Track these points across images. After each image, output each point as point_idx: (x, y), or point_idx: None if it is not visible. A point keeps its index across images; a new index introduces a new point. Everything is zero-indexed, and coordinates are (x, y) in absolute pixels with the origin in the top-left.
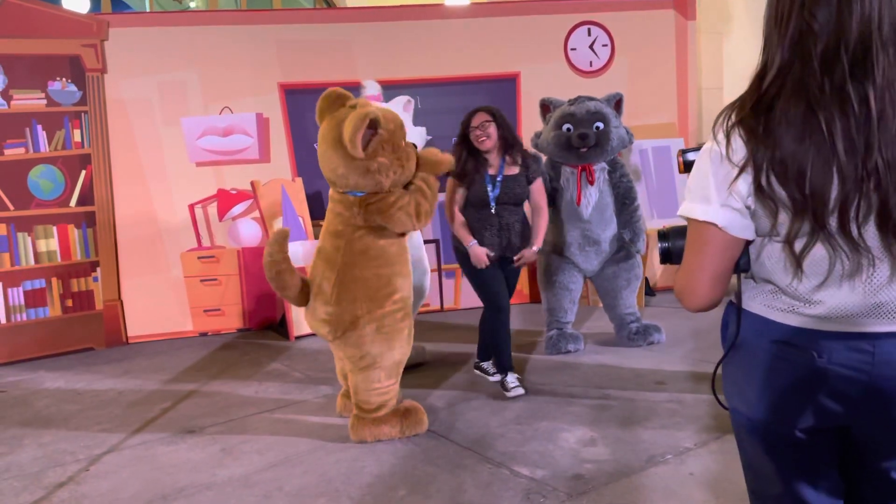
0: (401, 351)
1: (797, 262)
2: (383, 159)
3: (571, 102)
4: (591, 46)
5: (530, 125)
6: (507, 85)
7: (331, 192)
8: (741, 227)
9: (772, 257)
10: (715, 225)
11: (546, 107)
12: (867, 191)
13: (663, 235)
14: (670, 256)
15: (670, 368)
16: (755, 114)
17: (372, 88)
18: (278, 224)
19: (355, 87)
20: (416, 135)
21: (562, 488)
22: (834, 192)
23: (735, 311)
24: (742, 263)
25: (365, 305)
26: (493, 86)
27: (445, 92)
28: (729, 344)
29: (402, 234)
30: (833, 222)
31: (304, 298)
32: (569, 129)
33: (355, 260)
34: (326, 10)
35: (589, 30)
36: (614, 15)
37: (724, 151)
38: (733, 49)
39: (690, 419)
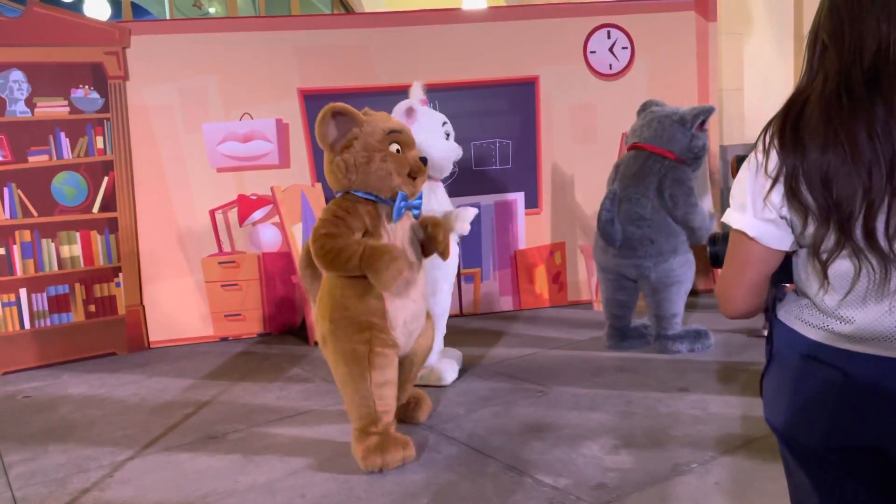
0: (360, 379)
1: (823, 271)
2: (348, 156)
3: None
4: (610, 49)
5: (549, 129)
6: (526, 88)
7: None
8: (775, 238)
9: (805, 268)
10: (748, 235)
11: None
12: (893, 202)
13: (713, 240)
14: (719, 261)
15: (694, 374)
16: (788, 124)
17: (418, 92)
18: (298, 230)
19: (373, 93)
20: (440, 149)
21: (585, 497)
22: (859, 202)
23: (775, 323)
24: (777, 275)
25: (328, 324)
26: (511, 89)
27: (464, 96)
28: (767, 355)
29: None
30: (859, 232)
31: None
32: None
33: (329, 278)
34: (345, 16)
35: (608, 32)
36: (634, 17)
37: (761, 161)
38: (754, 50)
39: (715, 426)
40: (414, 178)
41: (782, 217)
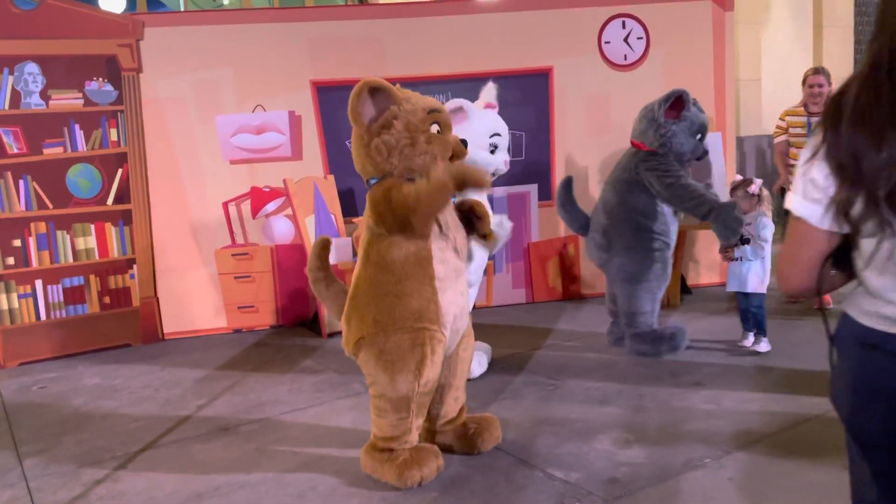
0: (407, 385)
1: (864, 251)
2: (388, 137)
3: (695, 103)
4: (625, 39)
5: (563, 121)
6: (539, 79)
7: None
8: (819, 217)
9: (860, 254)
10: (796, 214)
11: (683, 103)
12: None
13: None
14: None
15: (708, 368)
16: (833, 104)
17: (491, 94)
18: (310, 222)
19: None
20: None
21: (597, 492)
22: (885, 176)
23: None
24: (840, 261)
25: (368, 327)
26: (525, 80)
27: (477, 88)
28: (830, 344)
29: (424, 241)
30: (885, 203)
31: (341, 308)
32: (700, 140)
33: (369, 273)
34: (358, 7)
35: (623, 22)
36: (649, 7)
37: (812, 144)
38: (771, 40)
39: (729, 421)
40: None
41: (827, 196)
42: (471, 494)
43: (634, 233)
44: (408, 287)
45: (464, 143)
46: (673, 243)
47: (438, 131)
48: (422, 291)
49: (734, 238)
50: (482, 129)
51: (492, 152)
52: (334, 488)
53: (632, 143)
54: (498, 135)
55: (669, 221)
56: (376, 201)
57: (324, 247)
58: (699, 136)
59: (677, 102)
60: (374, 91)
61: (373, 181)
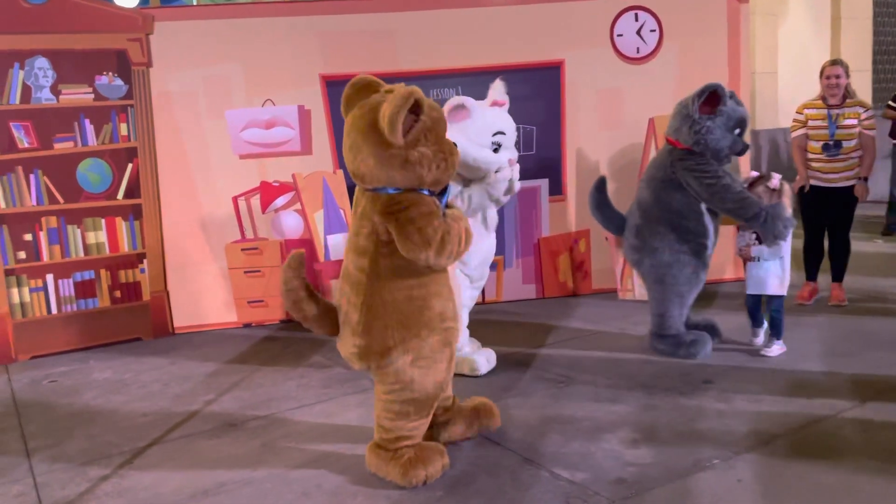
0: (436, 384)
1: None
2: (425, 149)
3: (732, 97)
4: (638, 32)
5: (575, 114)
6: (551, 73)
7: (356, 192)
8: None
9: None
10: None
11: (718, 97)
12: None
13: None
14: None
15: (719, 367)
16: None
17: (499, 91)
18: (319, 216)
19: (397, 79)
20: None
21: (603, 493)
22: None
23: None
24: None
25: (398, 334)
26: (536, 74)
27: (487, 81)
28: None
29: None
30: None
31: (330, 326)
32: (740, 134)
33: (383, 281)
34: (368, 0)
35: (636, 15)
36: None
37: None
38: (788, 32)
39: (739, 421)
40: None
41: None
42: (476, 494)
43: (668, 233)
44: (431, 289)
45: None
46: (711, 245)
47: None
48: (441, 292)
49: (782, 241)
50: (484, 128)
51: (495, 150)
52: (339, 486)
53: (667, 139)
54: (502, 133)
55: (707, 222)
56: (404, 224)
57: (301, 263)
58: (738, 130)
59: (712, 97)
60: (416, 104)
61: (391, 190)
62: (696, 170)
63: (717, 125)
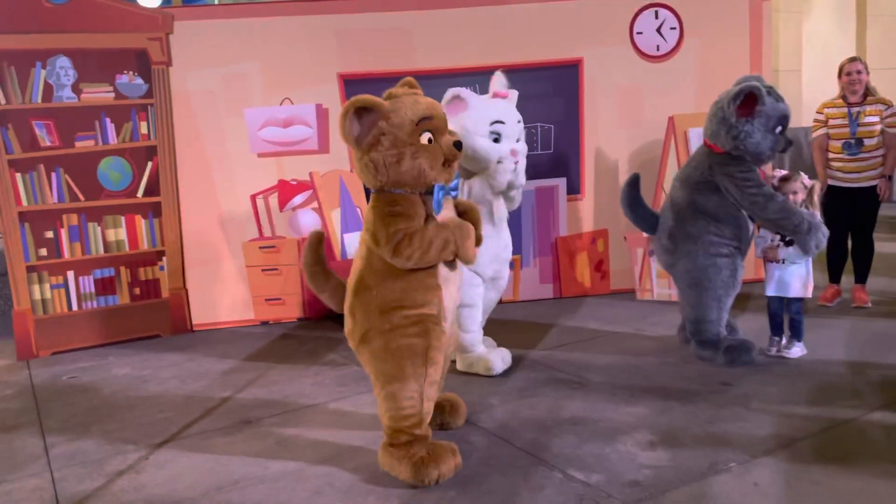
0: (415, 373)
1: None
2: (376, 154)
3: (770, 92)
4: (658, 30)
5: (593, 112)
6: (569, 71)
7: None
8: None
9: None
10: None
11: (755, 98)
12: None
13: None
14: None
15: (737, 369)
16: None
17: (499, 83)
18: (336, 215)
19: (414, 78)
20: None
21: (617, 495)
22: None
23: None
24: None
25: (374, 319)
26: (555, 72)
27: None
28: None
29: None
30: None
31: (340, 303)
32: (782, 132)
33: (372, 269)
34: None
35: (656, 12)
36: None
37: None
38: (813, 29)
39: (757, 424)
40: (449, 165)
41: None
42: (488, 494)
43: (702, 236)
44: (417, 279)
45: (458, 145)
46: (746, 248)
47: (430, 139)
48: (425, 281)
49: (819, 250)
50: (481, 118)
51: (495, 140)
52: (352, 485)
53: (705, 142)
54: (500, 122)
55: (743, 225)
56: (373, 222)
57: (319, 241)
58: (779, 128)
59: (749, 99)
60: (361, 110)
61: (373, 190)
62: (738, 177)
63: (757, 128)
